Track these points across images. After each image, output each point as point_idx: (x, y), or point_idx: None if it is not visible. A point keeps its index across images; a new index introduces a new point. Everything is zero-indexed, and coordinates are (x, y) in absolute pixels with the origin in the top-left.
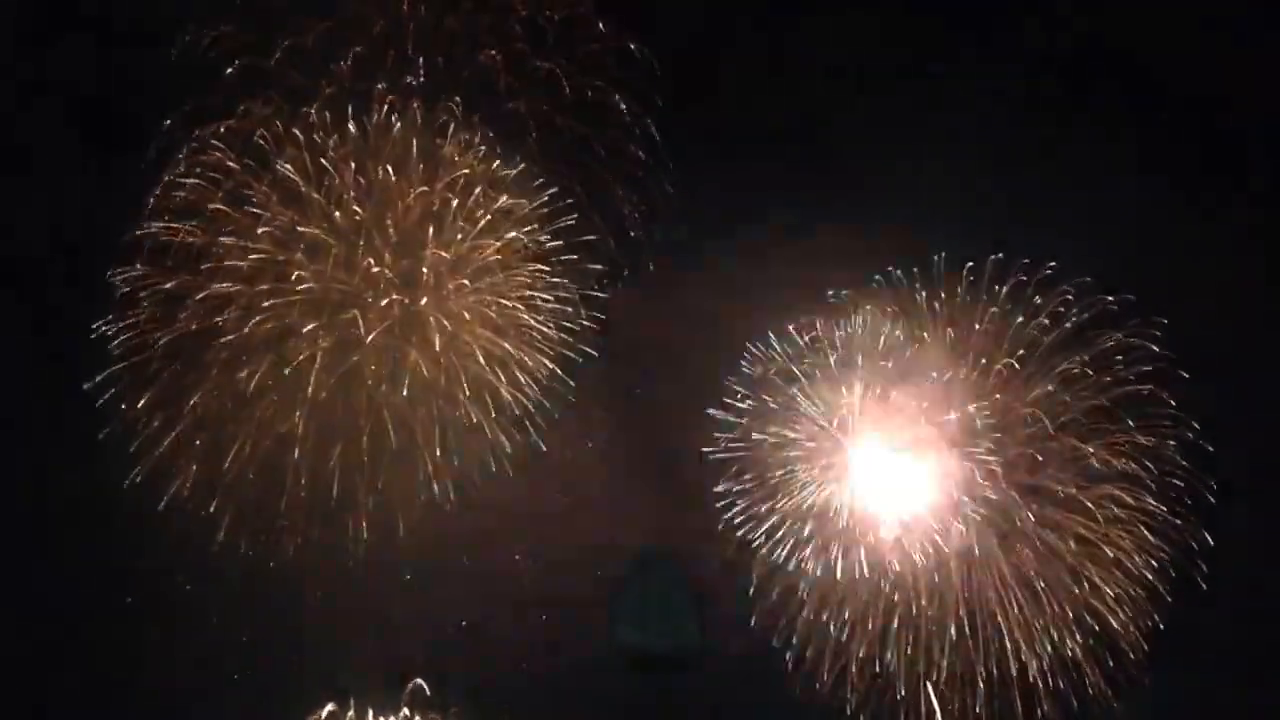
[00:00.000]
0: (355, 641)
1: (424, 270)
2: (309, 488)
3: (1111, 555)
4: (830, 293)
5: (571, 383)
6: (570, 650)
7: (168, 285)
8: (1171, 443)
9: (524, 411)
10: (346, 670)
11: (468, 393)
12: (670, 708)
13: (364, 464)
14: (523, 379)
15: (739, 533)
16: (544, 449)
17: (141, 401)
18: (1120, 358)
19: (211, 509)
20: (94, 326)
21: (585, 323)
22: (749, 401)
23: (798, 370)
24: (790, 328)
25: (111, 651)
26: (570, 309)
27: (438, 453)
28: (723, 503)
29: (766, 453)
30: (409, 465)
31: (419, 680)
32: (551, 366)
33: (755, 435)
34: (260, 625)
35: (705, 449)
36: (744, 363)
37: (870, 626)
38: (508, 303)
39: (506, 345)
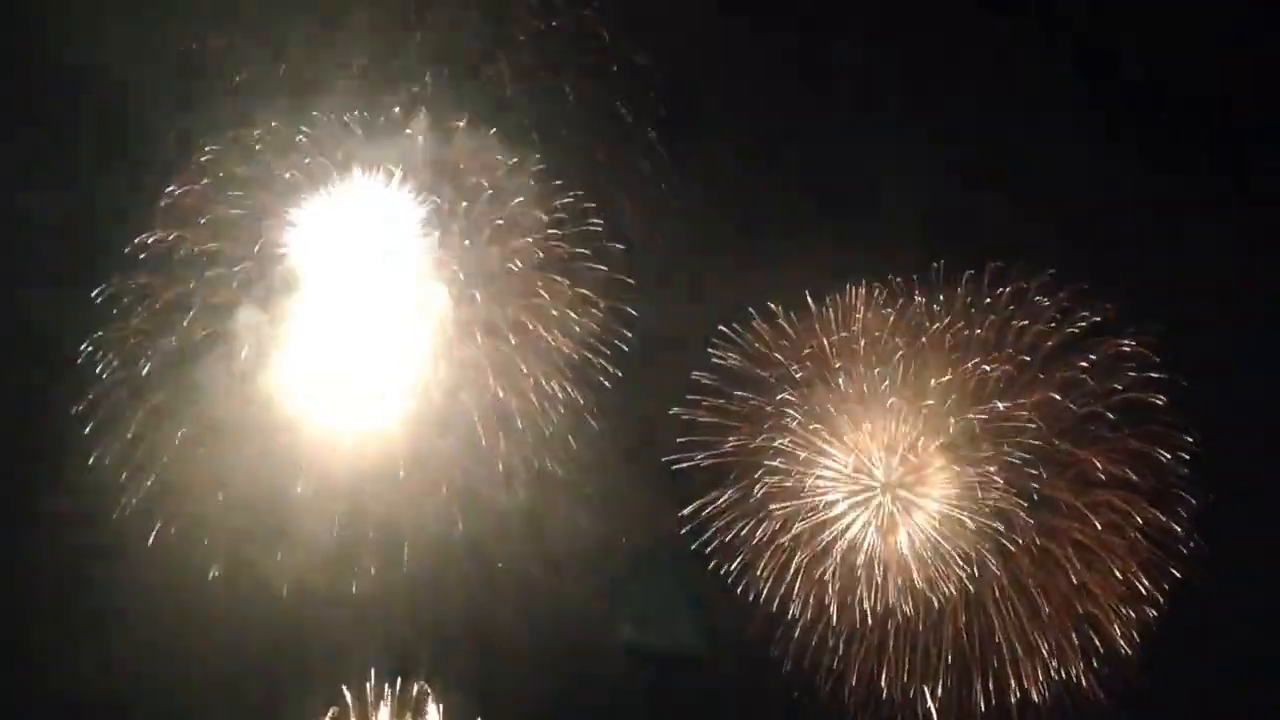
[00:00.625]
0: (358, 644)
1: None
2: (312, 517)
3: (1109, 562)
4: (829, 299)
5: (595, 409)
6: (572, 650)
7: (166, 296)
8: (1171, 454)
9: (539, 439)
10: (349, 673)
11: (479, 419)
12: (671, 707)
13: (370, 493)
14: (535, 400)
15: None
16: (559, 474)
17: (136, 420)
18: (1119, 364)
19: (206, 541)
20: (84, 346)
21: (610, 340)
22: (731, 403)
23: (792, 373)
24: (788, 329)
25: (109, 656)
26: (590, 323)
27: (444, 491)
28: (691, 525)
29: (754, 463)
30: (418, 499)
31: (422, 682)
32: (573, 393)
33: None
34: (262, 629)
35: (668, 458)
36: (715, 353)
37: (868, 632)
38: (520, 315)
39: (521, 365)
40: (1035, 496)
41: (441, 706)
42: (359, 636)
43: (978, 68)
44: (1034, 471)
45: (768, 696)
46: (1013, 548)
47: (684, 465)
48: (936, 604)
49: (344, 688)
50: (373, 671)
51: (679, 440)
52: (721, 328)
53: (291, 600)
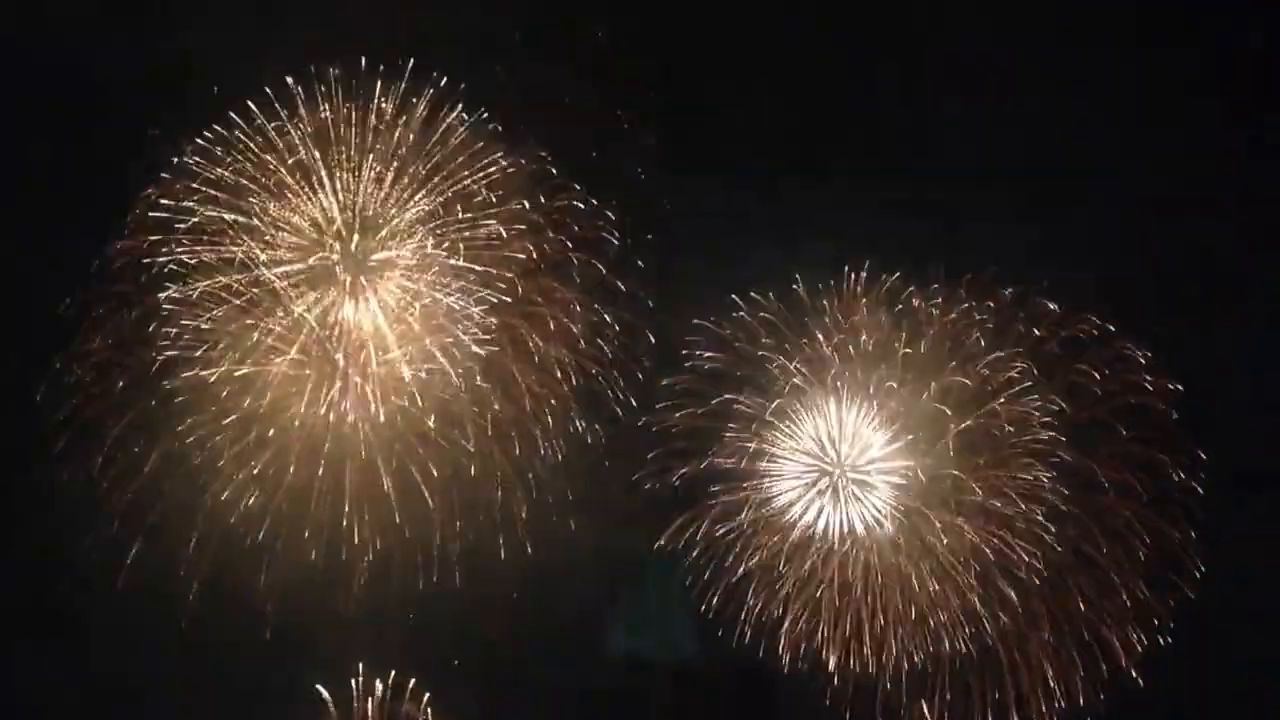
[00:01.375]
0: (347, 658)
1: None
2: (297, 534)
3: (1108, 568)
4: (825, 303)
5: (603, 437)
6: (569, 657)
7: (140, 308)
8: (1174, 460)
9: (534, 447)
10: (341, 678)
11: (474, 448)
12: (669, 715)
13: (358, 525)
14: (530, 408)
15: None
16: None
17: (110, 438)
18: (1121, 368)
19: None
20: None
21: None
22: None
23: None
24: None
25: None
26: (589, 330)
27: (438, 536)
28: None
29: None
30: (407, 510)
31: (414, 687)
32: (570, 400)
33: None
34: (253, 637)
35: (638, 476)
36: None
37: (866, 642)
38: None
39: (516, 373)
40: (1035, 500)
41: (430, 713)
42: (348, 651)
43: (975, 66)
44: (1038, 479)
45: (765, 705)
46: (1011, 553)
47: (655, 485)
48: (935, 611)
49: (331, 702)
50: (361, 683)
51: (649, 455)
52: (697, 321)
53: (277, 618)
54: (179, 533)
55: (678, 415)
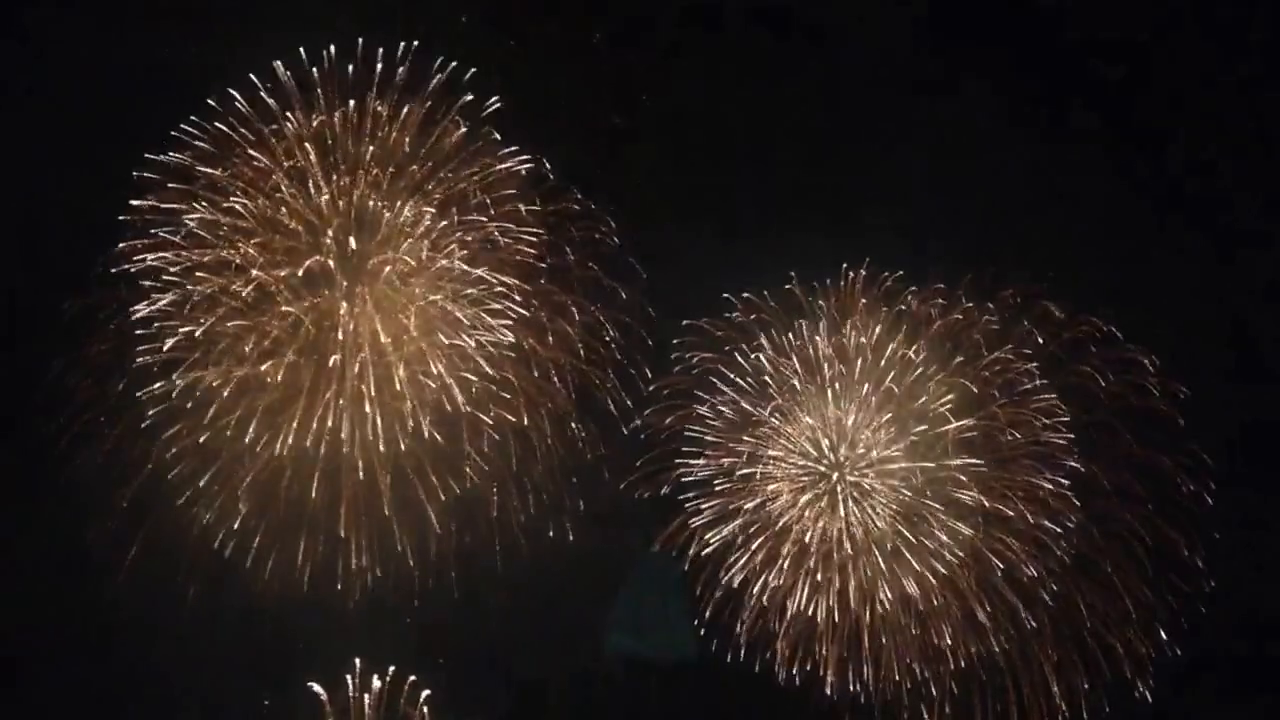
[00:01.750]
0: (346, 657)
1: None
2: (296, 534)
3: (1112, 574)
4: (821, 303)
5: (600, 440)
6: (567, 657)
7: (139, 310)
8: (1176, 464)
9: (530, 450)
10: (338, 677)
11: (477, 461)
12: (666, 715)
13: (355, 527)
14: (527, 411)
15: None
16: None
17: (111, 438)
18: (1121, 371)
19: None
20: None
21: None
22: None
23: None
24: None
25: (95, 659)
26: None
27: (435, 538)
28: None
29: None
30: (407, 513)
31: (411, 686)
32: (567, 402)
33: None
34: (251, 638)
35: (632, 480)
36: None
37: (865, 651)
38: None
39: (513, 377)
40: (1034, 501)
41: (427, 710)
42: (348, 649)
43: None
44: (1040, 483)
45: (764, 705)
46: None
47: (646, 491)
48: (934, 615)
49: (327, 700)
50: (358, 682)
51: (642, 459)
52: (689, 322)
53: (275, 618)
54: (178, 533)
55: (668, 420)
